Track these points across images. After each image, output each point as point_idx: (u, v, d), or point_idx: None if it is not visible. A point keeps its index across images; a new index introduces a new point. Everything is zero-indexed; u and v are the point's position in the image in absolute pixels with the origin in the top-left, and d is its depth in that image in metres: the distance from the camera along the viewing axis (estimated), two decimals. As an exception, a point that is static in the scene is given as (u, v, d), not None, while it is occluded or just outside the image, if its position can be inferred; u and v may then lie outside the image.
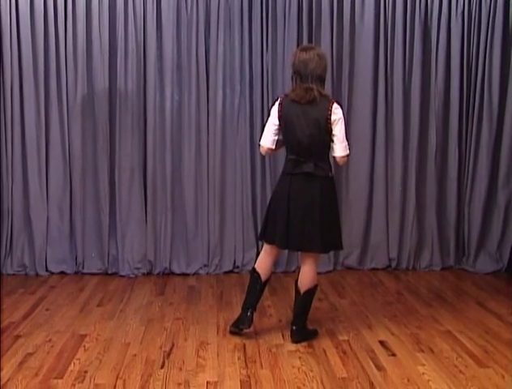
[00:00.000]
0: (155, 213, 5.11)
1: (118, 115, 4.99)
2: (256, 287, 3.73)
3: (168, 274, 5.14)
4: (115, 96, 4.99)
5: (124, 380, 3.14)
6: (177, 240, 5.16)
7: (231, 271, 5.18)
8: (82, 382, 3.12)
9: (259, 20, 5.01)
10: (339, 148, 3.50)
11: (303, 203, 3.53)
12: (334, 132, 3.47)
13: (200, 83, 5.03)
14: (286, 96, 3.61)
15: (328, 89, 4.95)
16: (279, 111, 3.57)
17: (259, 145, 3.75)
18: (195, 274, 5.14)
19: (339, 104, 3.53)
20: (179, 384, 3.10)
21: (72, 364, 3.33)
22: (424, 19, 5.10)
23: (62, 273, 5.08)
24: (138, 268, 5.10)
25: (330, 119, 3.44)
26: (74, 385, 3.08)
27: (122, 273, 5.07)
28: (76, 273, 5.10)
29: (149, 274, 5.12)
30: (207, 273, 5.16)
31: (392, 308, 4.32)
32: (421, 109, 5.17)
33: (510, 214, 5.26)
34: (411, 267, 5.31)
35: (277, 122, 3.59)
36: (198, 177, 5.12)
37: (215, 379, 3.16)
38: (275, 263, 3.92)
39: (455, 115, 5.19)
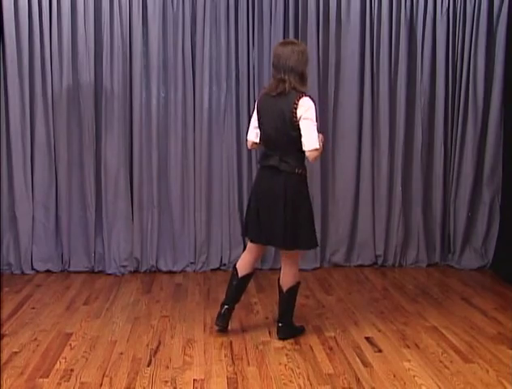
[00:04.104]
0: (142, 211, 5.10)
1: (104, 112, 4.97)
2: (233, 283, 3.74)
3: (155, 271, 5.13)
4: (101, 93, 4.97)
5: (110, 378, 3.14)
6: (163, 237, 5.15)
7: (218, 269, 5.18)
8: (68, 380, 3.10)
9: (245, 17, 5.01)
10: (306, 142, 3.39)
11: (269, 196, 3.53)
12: (300, 126, 3.39)
13: (186, 80, 5.02)
14: (264, 88, 3.65)
15: (314, 87, 5.01)
16: (257, 104, 3.62)
17: (246, 140, 3.79)
18: (182, 271, 5.14)
19: (311, 99, 3.43)
20: (166, 382, 3.10)
21: (58, 362, 3.32)
22: (409, 17, 5.12)
23: (48, 271, 5.05)
24: (124, 266, 5.08)
25: (295, 113, 3.37)
26: (60, 384, 3.07)
27: (109, 271, 5.05)
28: (62, 271, 5.07)
29: (136, 272, 5.11)
30: (194, 270, 5.15)
31: (378, 304, 4.34)
32: (407, 106, 5.20)
33: (495, 210, 5.30)
34: (397, 264, 5.34)
35: (256, 116, 3.62)
36: (185, 175, 5.12)
37: (202, 377, 3.16)
38: (257, 260, 3.87)
39: (441, 112, 5.22)
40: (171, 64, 5.01)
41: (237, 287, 3.74)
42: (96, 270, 5.08)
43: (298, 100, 3.38)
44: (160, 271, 5.13)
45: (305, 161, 3.53)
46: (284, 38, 5.00)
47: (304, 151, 3.44)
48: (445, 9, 5.12)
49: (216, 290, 4.64)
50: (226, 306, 3.71)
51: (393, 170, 5.26)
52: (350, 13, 5.10)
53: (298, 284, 3.67)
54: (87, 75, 4.92)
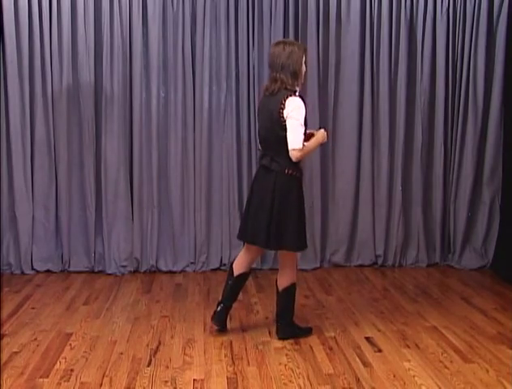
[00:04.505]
0: (142, 210, 5.09)
1: (104, 112, 4.97)
2: (228, 282, 3.74)
3: (155, 271, 5.12)
4: (101, 93, 4.97)
5: (110, 378, 3.14)
6: (163, 237, 5.15)
7: (218, 269, 5.17)
8: (68, 380, 3.10)
9: (245, 17, 5.01)
10: (289, 141, 3.38)
11: (259, 195, 3.55)
12: (287, 125, 3.38)
13: (186, 80, 5.02)
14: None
15: (314, 87, 5.02)
16: (258, 106, 3.68)
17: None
18: (182, 271, 5.14)
19: (301, 98, 3.43)
20: (165, 382, 3.10)
21: (58, 362, 3.32)
22: (409, 16, 5.12)
23: (48, 271, 5.05)
24: (124, 266, 5.08)
25: (282, 113, 3.37)
26: (60, 384, 3.07)
27: (109, 271, 5.05)
28: (62, 271, 5.07)
29: (136, 272, 5.11)
30: (194, 270, 5.15)
31: (378, 304, 4.34)
32: (407, 106, 5.20)
33: (495, 210, 5.30)
34: (397, 264, 5.33)
35: None
36: (185, 174, 5.11)
37: (202, 377, 3.16)
38: (254, 260, 3.83)
39: (441, 112, 5.21)
40: (171, 64, 5.01)
41: (232, 286, 3.73)
42: (96, 270, 5.08)
43: (285, 100, 3.38)
44: (159, 271, 5.13)
45: (301, 162, 3.52)
46: (284, 38, 5.00)
47: None
48: (445, 9, 5.12)
49: (216, 290, 4.63)
50: (221, 305, 3.71)
51: (393, 170, 5.26)
52: (350, 13, 5.10)
53: (293, 285, 3.64)
54: (87, 75, 4.92)
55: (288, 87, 3.42)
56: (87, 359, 3.37)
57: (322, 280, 4.93)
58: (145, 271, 5.12)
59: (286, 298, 3.65)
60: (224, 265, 5.18)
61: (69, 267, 5.09)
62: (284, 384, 3.08)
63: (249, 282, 4.83)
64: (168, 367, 3.27)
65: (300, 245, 3.57)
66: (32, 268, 5.06)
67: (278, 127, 3.41)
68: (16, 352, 3.45)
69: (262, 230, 3.48)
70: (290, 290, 3.64)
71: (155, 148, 5.05)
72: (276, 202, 3.45)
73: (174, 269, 5.13)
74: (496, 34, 5.14)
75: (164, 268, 5.14)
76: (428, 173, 5.31)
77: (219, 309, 3.71)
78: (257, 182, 3.62)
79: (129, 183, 5.08)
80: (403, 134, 5.22)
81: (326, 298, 4.47)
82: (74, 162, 5.02)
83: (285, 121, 3.38)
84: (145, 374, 3.19)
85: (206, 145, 5.09)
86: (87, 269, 5.09)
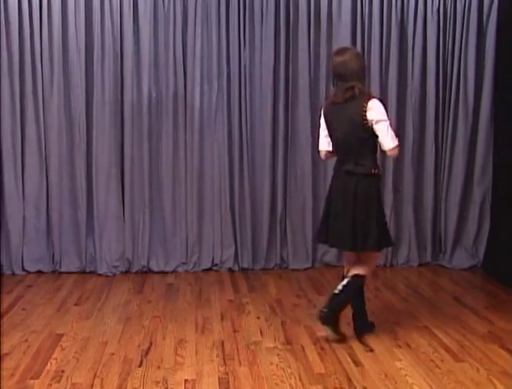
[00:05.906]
0: (133, 211, 5.08)
1: (95, 112, 4.95)
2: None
3: (147, 272, 5.11)
4: (92, 92, 4.95)
5: (101, 379, 3.12)
6: (155, 237, 5.14)
7: (209, 269, 5.17)
8: (59, 381, 3.09)
9: (237, 16, 5.00)
10: (385, 142, 3.45)
11: (340, 200, 3.56)
12: (375, 127, 3.43)
13: (178, 80, 5.01)
14: (326, 99, 3.71)
15: (306, 86, 5.04)
16: (324, 113, 3.66)
17: (319, 151, 3.78)
18: (174, 272, 5.13)
19: (380, 99, 3.51)
20: (157, 382, 3.09)
21: (49, 364, 3.30)
22: (400, 16, 5.13)
23: (39, 272, 5.03)
24: (115, 266, 5.06)
25: (365, 115, 3.42)
26: (50, 385, 3.05)
27: (100, 272, 5.04)
28: (53, 272, 5.05)
29: (127, 272, 5.09)
30: (186, 271, 5.14)
31: (370, 304, 4.31)
32: (398, 105, 5.21)
33: (486, 210, 5.32)
34: (388, 264, 5.34)
35: (324, 125, 3.66)
36: (176, 174, 5.10)
37: (193, 377, 3.15)
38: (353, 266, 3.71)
39: (432, 111, 5.23)
40: (162, 63, 4.99)
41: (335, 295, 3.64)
42: (88, 270, 5.07)
43: (367, 103, 3.43)
44: (151, 271, 5.12)
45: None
46: (275, 38, 5.03)
47: (375, 152, 3.53)
48: (435, 8, 5.13)
49: (208, 290, 4.64)
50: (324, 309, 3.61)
51: (384, 169, 5.26)
52: (341, 12, 5.10)
53: (364, 277, 3.61)
54: (77, 74, 4.90)
55: (362, 91, 3.47)
56: (78, 360, 3.35)
57: (313, 280, 4.94)
58: (136, 272, 5.10)
59: (352, 285, 3.59)
60: (216, 265, 5.18)
61: (60, 267, 5.07)
62: (276, 384, 3.07)
63: (241, 282, 4.85)
64: (159, 367, 3.26)
65: (385, 242, 3.61)
66: (23, 269, 5.03)
67: (361, 130, 3.45)
68: (7, 354, 3.42)
69: (347, 233, 3.51)
70: (359, 280, 3.60)
71: (146, 148, 5.04)
72: (360, 204, 3.48)
73: (166, 269, 5.12)
74: (486, 33, 5.16)
75: (155, 268, 5.12)
76: (419, 172, 5.32)
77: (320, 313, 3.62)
78: (336, 187, 3.60)
79: (120, 183, 5.06)
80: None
81: (317, 298, 4.46)
82: (65, 161, 5.00)
83: (368, 122, 3.42)
84: (136, 374, 3.18)
85: (197, 145, 5.08)
86: (78, 269, 5.07)
